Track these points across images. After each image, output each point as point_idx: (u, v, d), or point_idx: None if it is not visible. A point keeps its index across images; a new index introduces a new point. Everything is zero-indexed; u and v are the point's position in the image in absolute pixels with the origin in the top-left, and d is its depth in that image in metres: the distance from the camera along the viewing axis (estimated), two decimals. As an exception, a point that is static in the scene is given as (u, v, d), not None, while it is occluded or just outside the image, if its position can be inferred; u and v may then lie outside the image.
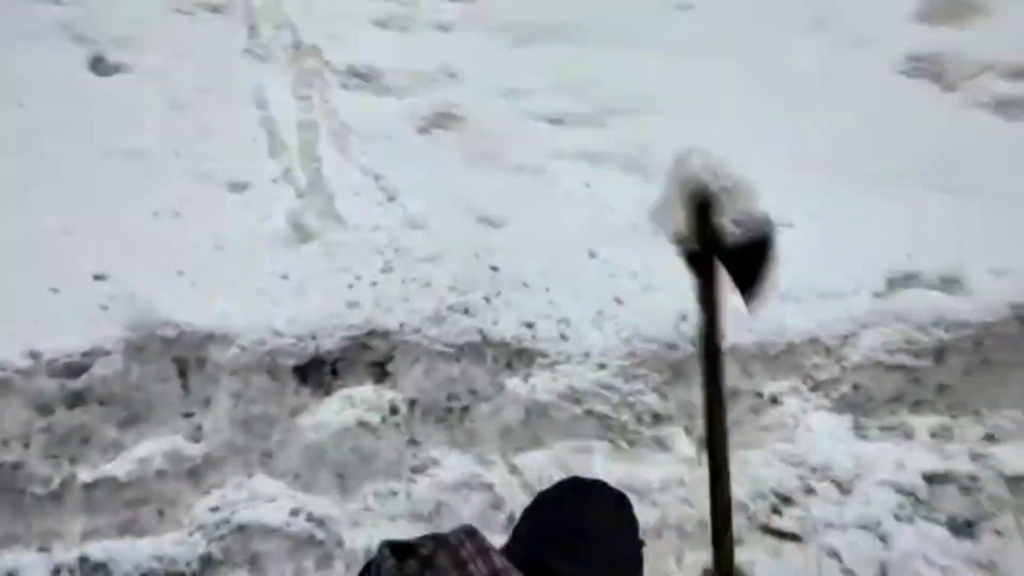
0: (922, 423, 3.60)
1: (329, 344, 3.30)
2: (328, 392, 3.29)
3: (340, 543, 3.01)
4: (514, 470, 3.19)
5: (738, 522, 3.17)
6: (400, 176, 4.70)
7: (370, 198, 4.44)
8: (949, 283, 3.91)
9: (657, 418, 3.34)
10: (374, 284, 3.57)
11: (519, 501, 3.15)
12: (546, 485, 3.26)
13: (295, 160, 4.65)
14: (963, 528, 3.22)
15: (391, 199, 4.45)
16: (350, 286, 3.54)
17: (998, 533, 3.17)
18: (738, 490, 3.23)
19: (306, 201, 4.16)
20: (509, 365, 3.35)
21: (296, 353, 3.25)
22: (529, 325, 3.42)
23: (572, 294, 3.64)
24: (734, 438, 3.41)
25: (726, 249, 2.11)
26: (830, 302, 3.78)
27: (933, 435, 3.56)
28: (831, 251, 4.14)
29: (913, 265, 4.00)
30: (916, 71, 6.07)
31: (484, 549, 1.07)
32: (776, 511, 3.18)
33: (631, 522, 1.26)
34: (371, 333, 3.34)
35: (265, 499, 3.04)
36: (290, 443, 3.18)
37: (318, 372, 3.31)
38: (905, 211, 4.46)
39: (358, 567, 3.11)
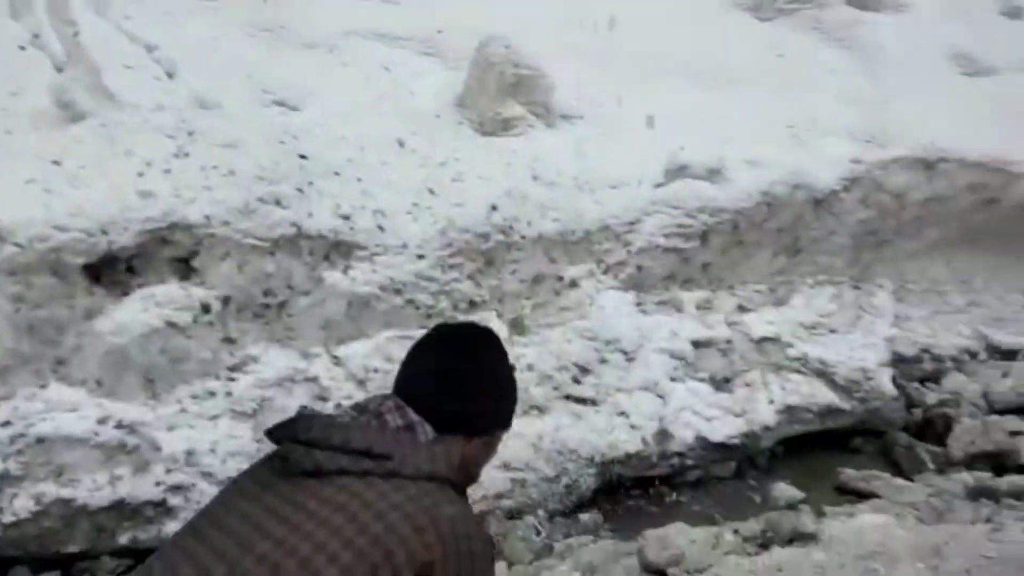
0: (689, 297, 4.15)
1: (124, 239, 3.01)
2: (126, 292, 3.04)
3: (157, 448, 2.90)
4: (337, 361, 3.22)
5: (545, 392, 3.53)
6: (177, 47, 4.23)
7: (145, 72, 3.96)
8: (713, 173, 4.41)
9: (472, 304, 3.52)
10: (168, 172, 3.27)
11: (344, 392, 3.21)
12: (371, 375, 3.35)
13: (44, 22, 3.99)
14: (722, 384, 3.85)
15: (171, 75, 4.02)
16: (140, 174, 3.22)
17: (748, 385, 3.83)
18: (544, 364, 3.57)
19: (68, 74, 3.62)
20: (327, 258, 3.30)
21: (85, 250, 2.93)
22: (345, 217, 3.37)
23: (385, 184, 3.61)
24: (540, 319, 3.73)
25: None
26: (618, 192, 4.12)
27: (698, 307, 4.13)
28: (617, 144, 4.47)
29: (685, 157, 4.44)
30: (683, -31, 6.48)
31: (400, 406, 1.22)
32: (576, 380, 3.55)
33: (501, 353, 1.37)
34: (172, 226, 3.10)
35: (64, 409, 2.80)
36: (87, 348, 2.93)
37: (112, 270, 3.03)
38: (677, 105, 4.89)
39: (179, 471, 3.01)
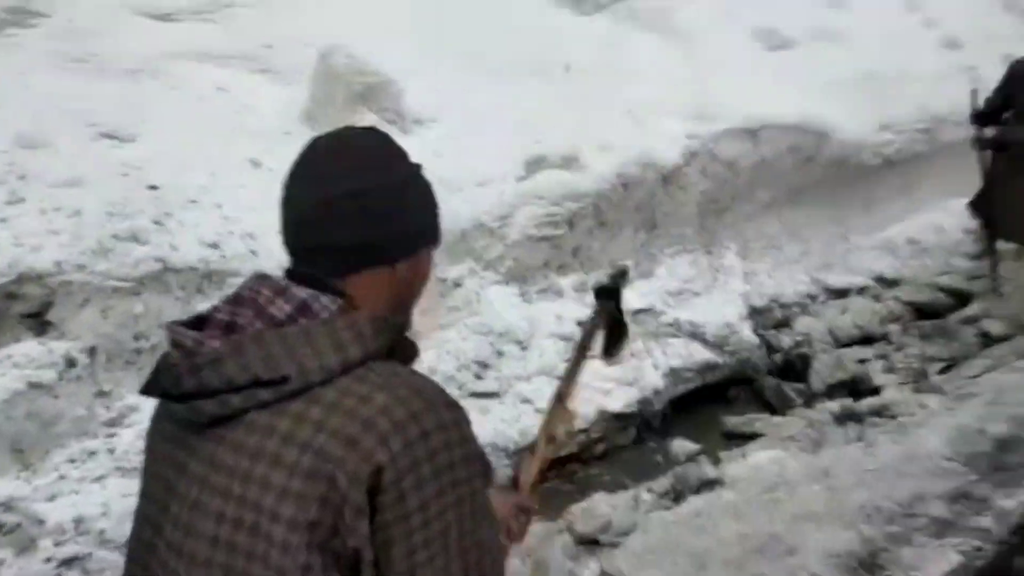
0: (567, 281, 4.29)
1: (-36, 300, 2.69)
2: (-25, 357, 2.71)
3: (40, 521, 2.60)
4: (231, 395, 3.03)
5: (451, 392, 3.52)
6: (-20, 86, 3.82)
7: (-52, 116, 3.55)
8: (569, 161, 4.60)
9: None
10: (3, 220, 2.95)
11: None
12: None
13: None
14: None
15: (-21, 115, 3.62)
16: (-30, 226, 2.89)
17: (634, 355, 4.01)
18: (445, 366, 3.56)
19: None
20: (200, 290, 3.10)
21: (-81, 318, 2.59)
22: (213, 245, 3.18)
23: (247, 207, 3.45)
24: (432, 322, 3.71)
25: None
26: (485, 189, 4.19)
27: (576, 290, 4.28)
28: (474, 143, 4.53)
29: (541, 149, 4.59)
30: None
31: (282, 289, 0.97)
32: (478, 376, 3.57)
33: (398, 153, 1.05)
34: (20, 279, 2.80)
35: (-77, 499, 2.46)
36: (-63, 428, 2.58)
37: (-45, 336, 2.70)
38: (525, 100, 5.03)
39: (70, 542, 2.75)
